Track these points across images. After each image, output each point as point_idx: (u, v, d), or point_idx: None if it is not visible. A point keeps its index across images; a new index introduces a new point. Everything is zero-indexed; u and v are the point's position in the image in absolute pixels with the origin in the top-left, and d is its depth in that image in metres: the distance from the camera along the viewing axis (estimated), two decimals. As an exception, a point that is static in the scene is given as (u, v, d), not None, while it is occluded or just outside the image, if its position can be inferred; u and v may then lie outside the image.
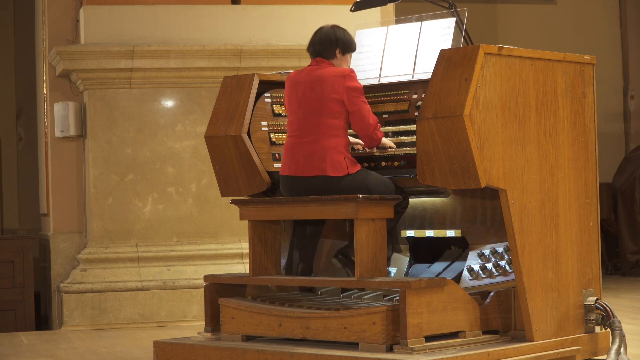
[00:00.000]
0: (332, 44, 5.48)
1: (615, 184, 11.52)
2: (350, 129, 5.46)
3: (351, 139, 5.56)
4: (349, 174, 5.31)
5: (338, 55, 5.49)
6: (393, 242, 5.70)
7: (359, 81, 5.49)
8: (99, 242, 8.31)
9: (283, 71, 6.02)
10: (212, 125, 5.81)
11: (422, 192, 5.56)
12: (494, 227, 5.41)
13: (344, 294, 5.66)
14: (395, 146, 5.48)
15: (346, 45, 5.51)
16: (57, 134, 8.51)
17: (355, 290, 5.57)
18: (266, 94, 5.81)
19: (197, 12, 8.51)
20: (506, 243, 5.32)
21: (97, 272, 8.25)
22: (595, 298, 5.46)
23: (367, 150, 5.55)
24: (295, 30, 8.59)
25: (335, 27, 5.53)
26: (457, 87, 4.96)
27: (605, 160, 10.07)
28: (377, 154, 5.53)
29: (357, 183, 5.31)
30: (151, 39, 8.41)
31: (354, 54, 5.93)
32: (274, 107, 5.82)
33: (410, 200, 5.61)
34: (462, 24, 5.62)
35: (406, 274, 5.70)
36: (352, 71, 5.41)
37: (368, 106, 5.38)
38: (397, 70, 5.78)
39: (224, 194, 5.85)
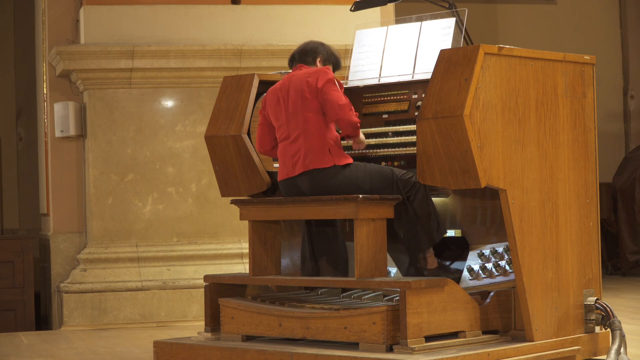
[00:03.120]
0: (314, 52, 5.55)
1: (615, 184, 11.52)
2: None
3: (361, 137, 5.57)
4: (336, 165, 5.29)
5: (319, 64, 5.51)
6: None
7: (358, 81, 5.49)
8: (99, 242, 8.31)
9: (283, 71, 6.02)
10: (212, 125, 5.81)
11: (422, 192, 5.55)
12: (494, 227, 5.41)
13: (344, 294, 5.67)
14: (364, 143, 5.43)
15: (330, 56, 5.55)
16: (57, 134, 8.51)
17: (355, 290, 5.57)
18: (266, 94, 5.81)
19: (197, 12, 8.51)
20: (506, 243, 5.32)
21: (97, 272, 8.25)
22: (595, 298, 5.46)
23: (357, 149, 5.54)
24: (295, 30, 8.59)
25: (322, 42, 5.61)
26: (457, 87, 4.96)
27: (605, 160, 10.07)
28: (372, 154, 5.53)
29: (348, 182, 5.29)
30: (151, 39, 8.41)
31: (353, 54, 5.93)
32: (274, 107, 5.82)
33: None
34: (462, 24, 5.62)
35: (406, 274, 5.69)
36: (328, 68, 5.42)
37: (338, 92, 5.33)
38: (397, 70, 5.78)
39: (224, 194, 5.85)
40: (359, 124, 5.36)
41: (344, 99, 5.33)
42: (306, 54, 5.55)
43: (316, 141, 5.31)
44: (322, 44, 5.59)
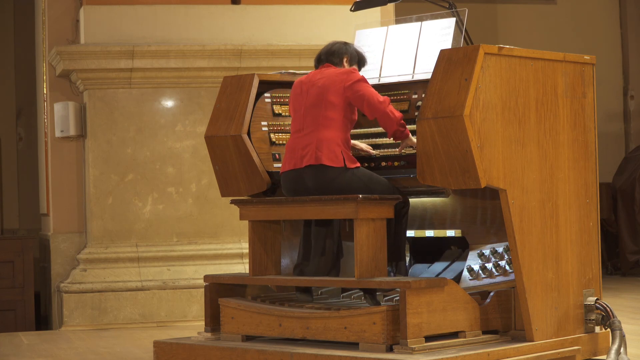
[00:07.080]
0: (340, 52, 5.57)
1: (615, 184, 11.52)
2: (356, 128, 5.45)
3: (354, 142, 5.56)
4: (347, 168, 5.31)
5: (345, 64, 5.54)
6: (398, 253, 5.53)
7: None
8: (99, 242, 8.31)
9: (283, 71, 6.02)
10: (212, 125, 5.81)
11: (422, 192, 5.56)
12: (494, 227, 5.41)
13: (344, 294, 5.67)
14: (414, 143, 5.32)
15: (355, 55, 5.60)
16: (57, 134, 8.51)
17: (355, 290, 5.57)
18: (266, 94, 5.82)
19: (197, 12, 8.51)
20: (506, 243, 5.32)
21: (97, 272, 8.25)
22: (595, 298, 5.46)
23: (373, 153, 5.55)
24: (295, 30, 8.59)
25: (345, 42, 5.64)
26: (457, 87, 4.96)
27: (605, 160, 10.07)
28: (376, 154, 5.54)
29: (357, 180, 5.30)
30: (151, 39, 8.41)
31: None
32: (274, 107, 5.83)
33: (410, 200, 5.61)
34: (462, 24, 5.62)
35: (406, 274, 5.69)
36: (355, 69, 5.44)
37: (372, 89, 5.35)
38: (397, 70, 5.78)
39: (224, 194, 5.85)
40: (402, 120, 5.31)
41: (381, 96, 5.34)
42: (333, 55, 5.57)
43: (330, 138, 5.33)
44: (346, 44, 5.63)
